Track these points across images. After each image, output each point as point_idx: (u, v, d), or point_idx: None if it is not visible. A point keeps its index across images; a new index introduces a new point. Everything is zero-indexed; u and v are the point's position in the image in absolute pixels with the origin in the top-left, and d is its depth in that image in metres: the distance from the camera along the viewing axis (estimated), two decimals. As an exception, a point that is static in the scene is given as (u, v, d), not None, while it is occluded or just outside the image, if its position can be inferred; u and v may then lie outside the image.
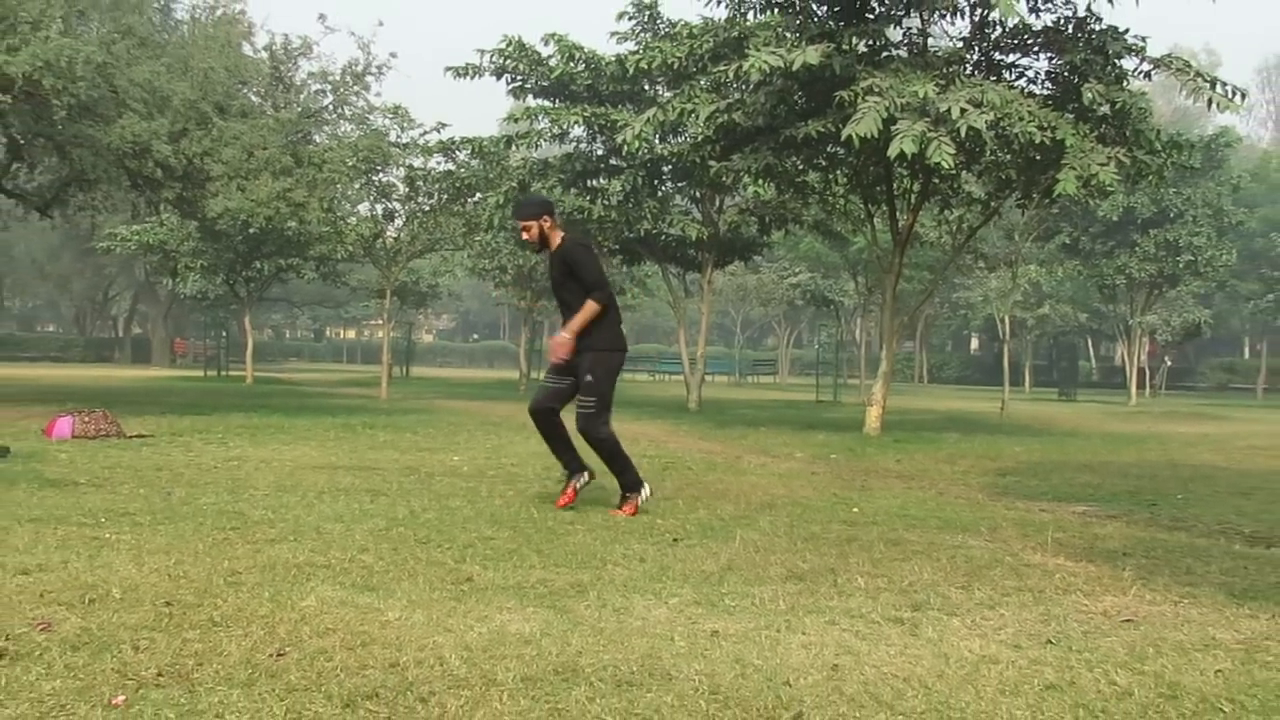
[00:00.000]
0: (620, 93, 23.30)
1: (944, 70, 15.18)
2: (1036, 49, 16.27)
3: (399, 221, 27.74)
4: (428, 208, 26.53)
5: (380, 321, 54.99)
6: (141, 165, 18.82)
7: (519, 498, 8.20)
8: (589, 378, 7.59)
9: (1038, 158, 15.40)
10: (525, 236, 7.77)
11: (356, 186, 25.68)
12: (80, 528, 6.40)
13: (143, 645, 4.03)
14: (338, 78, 24.54)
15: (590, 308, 7.54)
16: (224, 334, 45.87)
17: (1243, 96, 15.09)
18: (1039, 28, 15.95)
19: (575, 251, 7.67)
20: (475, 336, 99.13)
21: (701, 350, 26.42)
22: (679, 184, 24.42)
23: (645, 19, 22.99)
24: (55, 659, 3.84)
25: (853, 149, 14.99)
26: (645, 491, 7.79)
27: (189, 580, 5.08)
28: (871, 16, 16.19)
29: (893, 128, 13.58)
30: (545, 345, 65.85)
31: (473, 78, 23.53)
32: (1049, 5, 16.03)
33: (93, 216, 26.87)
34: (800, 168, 17.95)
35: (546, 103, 23.85)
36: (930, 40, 16.80)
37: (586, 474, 7.92)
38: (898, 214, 17.90)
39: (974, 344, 78.77)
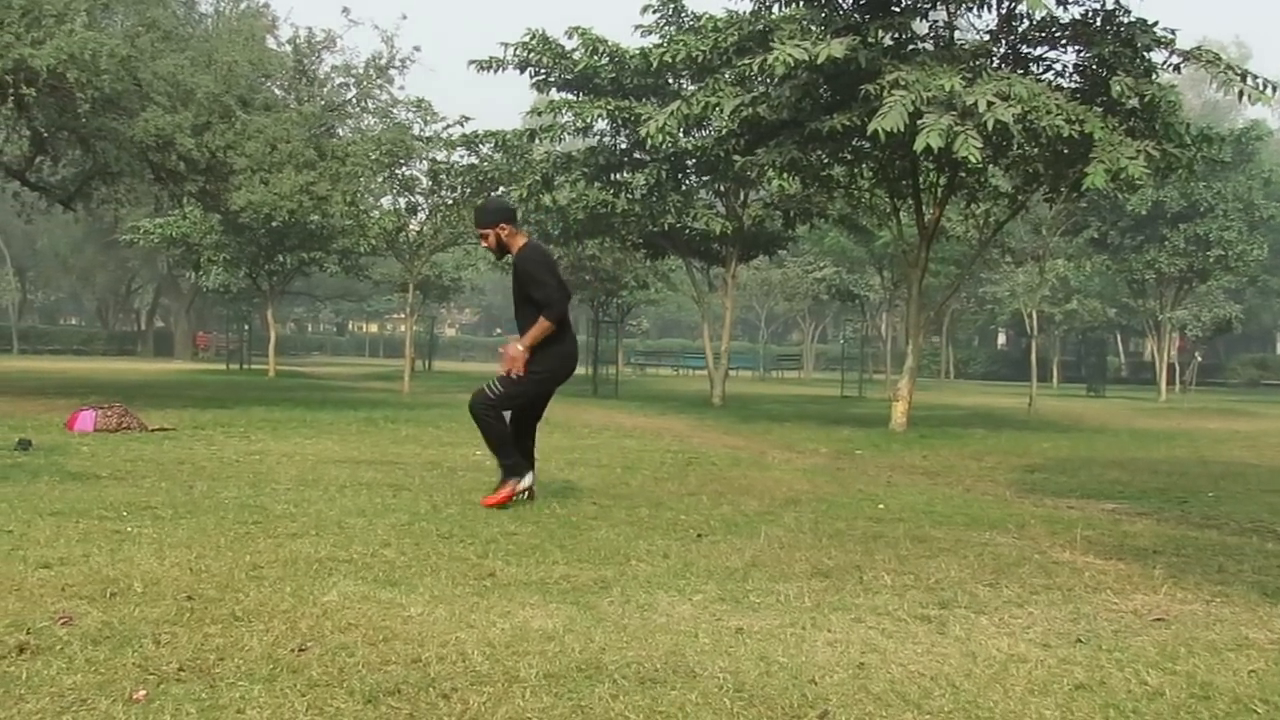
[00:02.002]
0: (644, 86, 23.29)
1: (971, 63, 15.10)
2: (1064, 42, 16.18)
3: (422, 215, 27.83)
4: (451, 201, 26.59)
5: (403, 315, 55.18)
6: (165, 158, 18.90)
7: (541, 492, 8.19)
8: (513, 374, 7.48)
9: (1066, 151, 15.32)
10: (484, 245, 7.72)
11: (379, 180, 25.72)
12: (102, 521, 6.42)
13: (164, 640, 4.03)
14: (361, 71, 24.58)
15: (542, 326, 7.40)
16: (246, 327, 46.02)
17: (1274, 89, 14.99)
18: (1067, 20, 15.87)
19: (525, 264, 7.50)
20: (498, 331, 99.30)
21: (725, 345, 26.40)
22: (703, 178, 24.40)
23: (669, 12, 22.96)
24: (76, 653, 3.84)
25: (878, 143, 14.93)
26: (525, 481, 7.56)
27: (210, 574, 5.09)
28: (897, 9, 16.13)
29: (919, 121, 13.53)
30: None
31: (496, 71, 23.57)
32: (1077, -3, 15.95)
33: (116, 209, 26.98)
34: (825, 162, 17.91)
35: (570, 96, 23.86)
36: (956, 33, 16.73)
37: (529, 478, 7.65)
38: (923, 208, 17.84)
39: (1001, 339, 78.45)
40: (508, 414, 7.65)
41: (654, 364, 60.63)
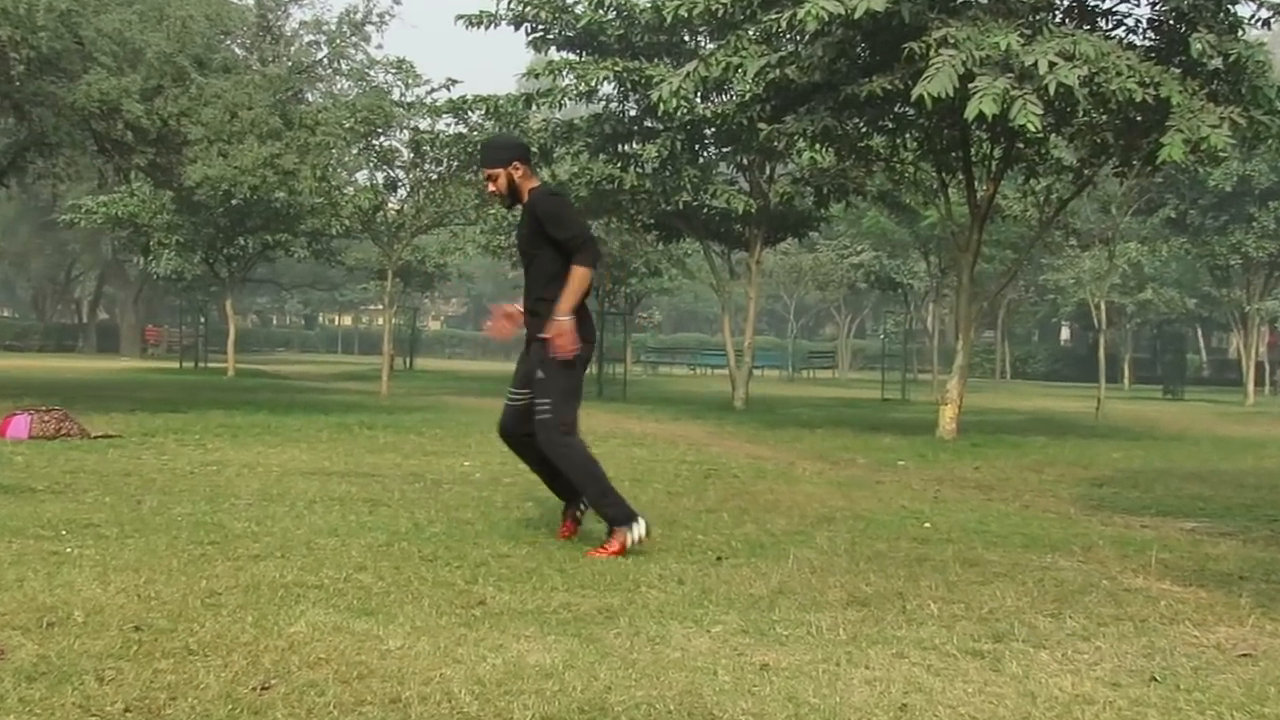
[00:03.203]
0: (656, 45, 23.27)
1: (1030, 19, 15.07)
2: (1137, -7, 16.18)
3: (402, 192, 27.83)
4: (435, 176, 26.58)
5: (381, 306, 55.26)
6: (110, 127, 18.95)
7: (539, 509, 8.19)
8: (540, 374, 6.87)
9: (1138, 119, 15.28)
10: (491, 189, 7.06)
11: (354, 152, 25.77)
12: (38, 541, 6.43)
13: (108, 676, 4.04)
14: (333, 28, 24.70)
15: (579, 275, 6.72)
16: (202, 320, 46.06)
17: (1379, 47, 14.94)
18: (1140, -32, 15.87)
19: (546, 202, 6.92)
20: (490, 324, 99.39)
21: (749, 340, 26.39)
22: (723, 149, 24.38)
23: (685, -41, 22.95)
24: (9, 691, 3.85)
25: (924, 109, 14.89)
26: (639, 529, 6.67)
27: (161, 602, 5.09)
28: (946, -44, 16.10)
29: (970, 85, 13.50)
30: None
31: (488, 27, 23.54)
32: (1153, -58, 15.94)
33: (54, 185, 27.14)
34: (863, 131, 17.87)
35: (572, 56, 23.84)
36: (1014, -17, 16.69)
37: (641, 524, 6.85)
38: (976, 184, 17.81)
39: (1064, 334, 78.38)
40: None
41: (667, 362, 60.65)
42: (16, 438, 12.32)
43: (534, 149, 22.95)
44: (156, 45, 17.88)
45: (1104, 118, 16.10)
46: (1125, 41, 15.79)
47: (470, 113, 25.61)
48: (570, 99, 23.06)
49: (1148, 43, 16.21)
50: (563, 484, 7.21)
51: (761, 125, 17.82)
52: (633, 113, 23.93)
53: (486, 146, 7.55)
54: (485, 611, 5.15)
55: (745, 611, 5.30)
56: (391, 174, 27.20)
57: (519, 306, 7.14)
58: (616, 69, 21.88)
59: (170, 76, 18.42)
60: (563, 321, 6.68)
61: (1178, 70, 14.93)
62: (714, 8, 18.69)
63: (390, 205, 28.26)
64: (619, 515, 6.72)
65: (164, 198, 31.58)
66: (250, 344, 68.50)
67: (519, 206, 7.05)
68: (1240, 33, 15.74)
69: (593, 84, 22.29)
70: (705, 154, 24.61)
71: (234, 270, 37.64)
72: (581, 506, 7.17)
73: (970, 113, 13.43)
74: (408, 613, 5.06)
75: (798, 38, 16.48)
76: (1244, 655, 4.82)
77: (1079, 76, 13.38)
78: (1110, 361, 39.66)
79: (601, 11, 23.08)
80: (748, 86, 17.04)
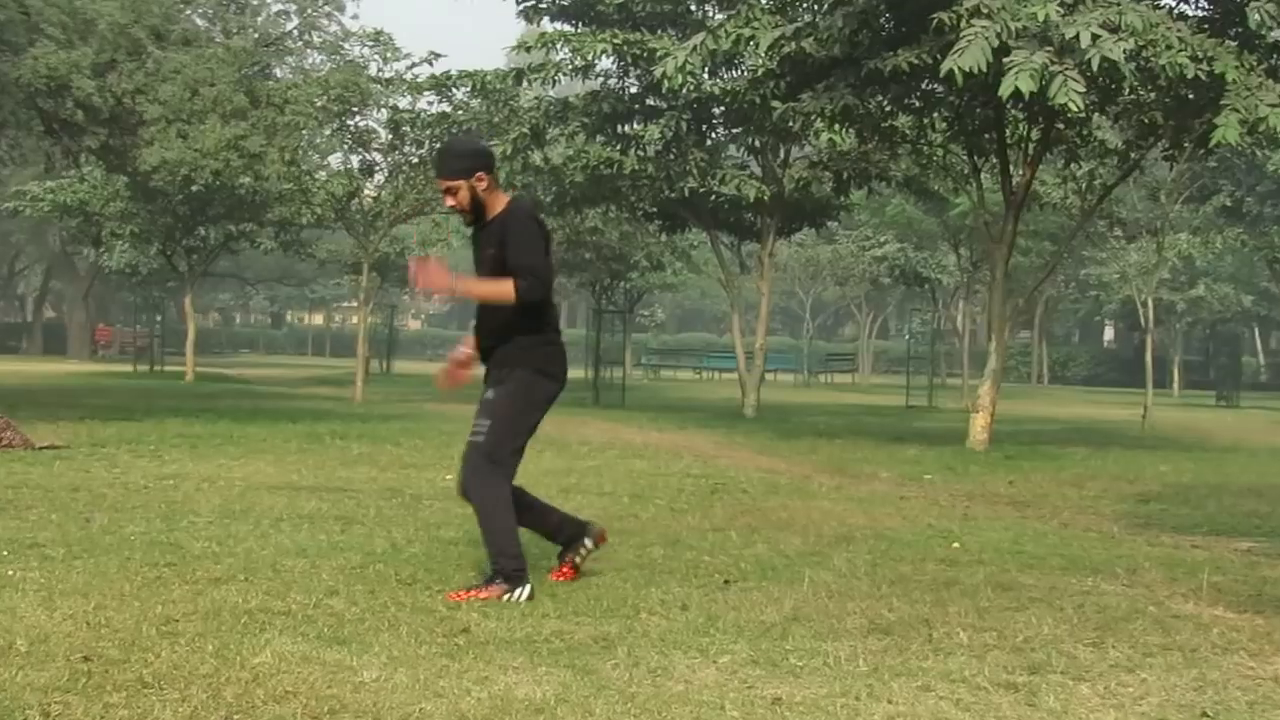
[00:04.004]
0: (660, 15, 23.30)
1: (1071, -15, 15.07)
2: (1190, -42, 16.18)
3: (380, 177, 27.84)
4: (416, 160, 26.59)
5: (355, 304, 55.21)
6: (58, 105, 18.95)
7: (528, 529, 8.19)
8: (489, 395, 6.48)
9: (1190, 97, 15.28)
10: (449, 203, 6.62)
11: (327, 133, 25.78)
12: (-22, 562, 6.44)
13: (55, 711, 4.04)
14: (304, -5, 24.66)
15: (506, 292, 6.34)
16: (159, 319, 46.07)
17: None
18: (1193, -69, 15.86)
19: (515, 219, 6.50)
20: (474, 323, 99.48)
21: (761, 341, 26.40)
22: (733, 130, 24.39)
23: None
24: (-56, 728, 3.86)
25: (954, 86, 14.89)
26: (522, 594, 6.16)
27: (112, 630, 5.10)
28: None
29: (1005, 59, 13.49)
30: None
31: (473, -5, 23.55)
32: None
33: (-4, 170, 27.12)
34: (887, 110, 17.88)
35: (567, 27, 23.86)
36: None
37: (589, 539, 6.74)
38: (1011, 168, 17.80)
39: (1108, 334, 78.34)
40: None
41: (671, 365, 60.59)
42: (-46, 448, 12.31)
43: (525, 131, 22.98)
44: (110, 15, 17.90)
45: (1152, 96, 16.10)
46: (1176, 11, 15.79)
47: (455, 90, 25.64)
48: (565, 74, 23.07)
49: (1201, 13, 16.21)
50: (558, 525, 6.84)
51: (775, 104, 17.82)
52: (634, 90, 23.93)
53: (444, 154, 7.06)
54: (469, 640, 5.15)
55: (755, 640, 5.30)
56: (368, 157, 27.25)
57: (467, 349, 6.77)
58: (616, 41, 21.88)
59: (125, 50, 18.42)
60: (454, 280, 6.53)
61: (1233, 43, 14.91)
62: (723, -27, 18.76)
63: (366, 192, 28.28)
64: (513, 574, 6.25)
65: (117, 184, 31.59)
66: (211, 345, 68.51)
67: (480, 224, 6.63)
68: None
69: (590, 58, 22.30)
70: (713, 135, 24.63)
71: (194, 264, 37.59)
72: (583, 549, 6.72)
73: (1005, 90, 13.41)
74: (384, 642, 5.06)
75: (815, 7, 16.50)
76: (1305, 689, 4.83)
77: (1125, 50, 13.36)
78: (1158, 365, 39.61)
79: (599, -22, 23.12)
80: (760, 61, 17.04)
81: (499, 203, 6.55)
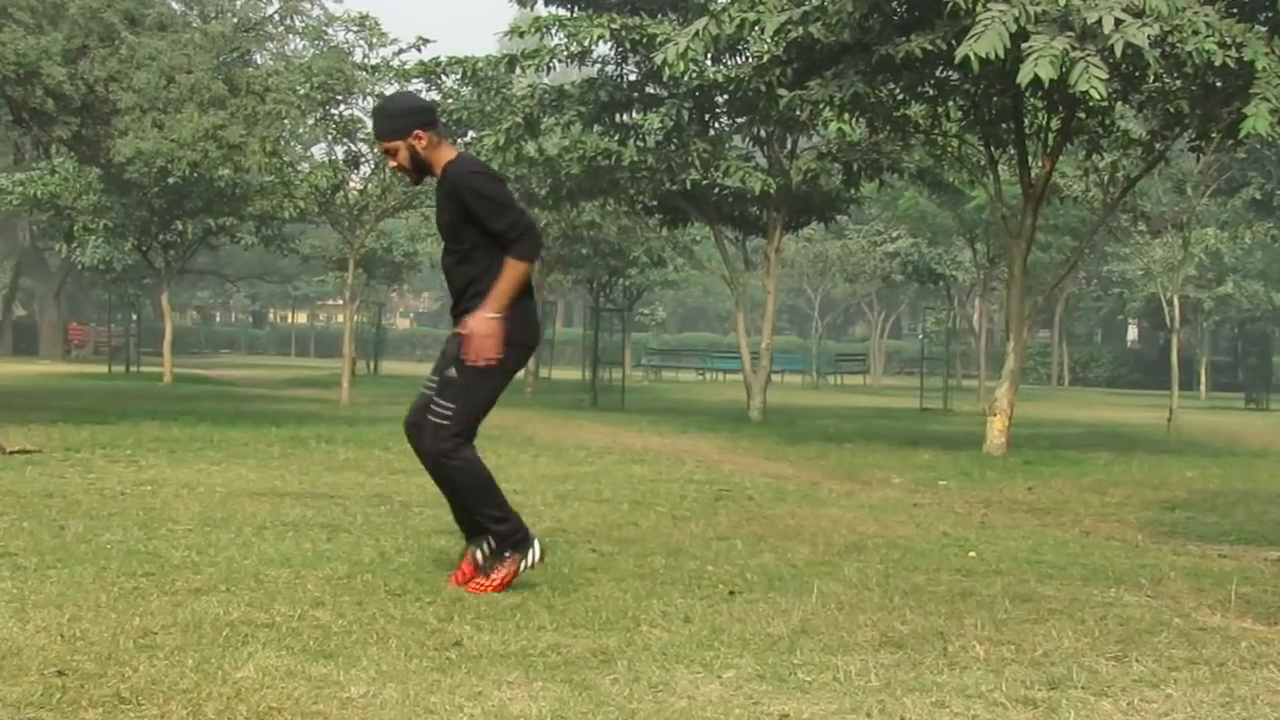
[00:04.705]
0: (660, -2, 23.31)
1: (1093, -33, 15.08)
2: (1217, -62, 16.17)
3: (366, 169, 27.83)
4: (404, 150, 26.59)
5: (340, 302, 55.24)
6: (27, 94, 18.95)
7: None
8: (451, 372, 6.53)
9: (1218, 85, 15.28)
10: (392, 164, 6.78)
11: (310, 122, 25.79)
12: (-54, 572, 6.45)
13: (27, 728, 4.05)
14: (286, -22, 24.68)
15: (516, 270, 6.42)
16: (135, 317, 46.05)
17: None
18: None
19: (472, 181, 6.53)
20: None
21: (767, 341, 26.39)
22: (737, 120, 24.38)
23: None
24: (-87, 745, 3.87)
25: (970, 73, 14.90)
26: (534, 553, 6.59)
27: (88, 642, 5.10)
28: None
29: (1023, 45, 13.50)
30: (556, 332, 65.11)
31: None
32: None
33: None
34: (899, 98, 17.88)
35: (562, 11, 23.88)
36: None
37: (537, 548, 6.68)
38: (1030, 160, 17.82)
39: (1132, 333, 78.38)
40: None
41: (673, 366, 60.63)
42: (-81, 453, 12.33)
43: (518, 121, 22.93)
44: (81, -1, 17.91)
45: (1178, 83, 16.10)
46: (1203, -5, 15.80)
47: (444, 77, 25.66)
48: (560, 61, 23.07)
49: (1229, -4, 16.22)
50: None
51: (782, 91, 17.82)
52: (633, 77, 23.93)
53: (379, 113, 7.08)
54: (462, 654, 5.16)
55: (762, 654, 5.31)
56: (353, 148, 27.21)
57: (486, 314, 6.58)
58: (614, 26, 21.88)
59: (97, 35, 18.42)
60: (490, 320, 6.38)
61: (1264, 29, 14.93)
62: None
63: (352, 184, 28.28)
64: (515, 538, 6.54)
65: (90, 176, 31.58)
66: (190, 345, 68.55)
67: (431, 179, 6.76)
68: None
69: (586, 43, 22.30)
70: (717, 125, 24.62)
71: (171, 260, 37.58)
72: (486, 547, 6.62)
73: (1024, 77, 13.41)
74: (372, 655, 5.07)
75: (824, -11, 16.49)
76: (1337, 705, 4.85)
77: (1149, 35, 13.37)
78: (1184, 366, 39.70)
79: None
80: (766, 46, 17.05)
81: (443, 155, 6.62)
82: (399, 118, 6.67)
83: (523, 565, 6.53)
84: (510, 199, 6.61)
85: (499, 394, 6.67)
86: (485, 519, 6.56)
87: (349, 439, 15.86)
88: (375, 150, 24.96)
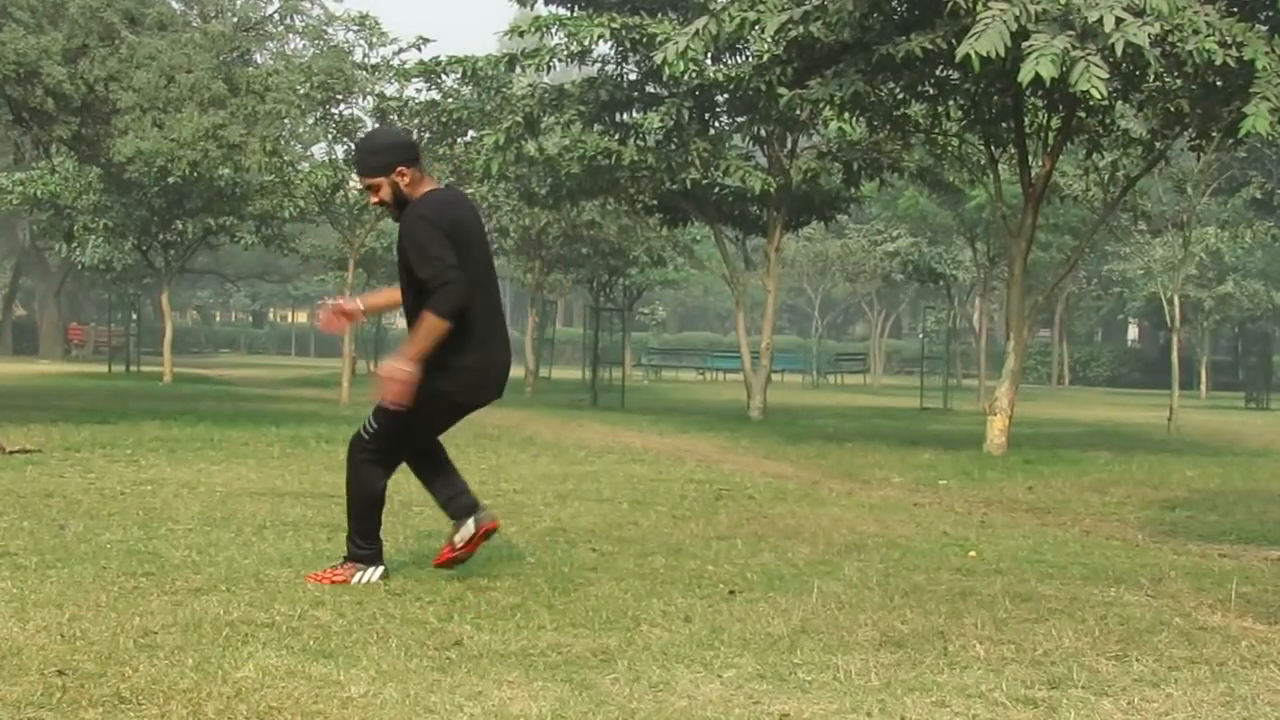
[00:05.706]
0: (660, -3, 23.29)
1: (1093, -33, 15.08)
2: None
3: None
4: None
5: (340, 301, 55.11)
6: (28, 93, 18.94)
7: (524, 535, 8.21)
8: (380, 402, 6.66)
9: (1218, 84, 15.27)
10: (373, 200, 6.79)
11: (310, 122, 25.78)
12: (-54, 572, 6.45)
13: (27, 727, 4.05)
14: (286, -23, 24.68)
15: (429, 324, 6.38)
16: (134, 317, 46.01)
17: None
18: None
19: (414, 222, 6.53)
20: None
21: (767, 341, 26.38)
22: (737, 119, 24.36)
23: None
24: (-87, 745, 3.87)
25: (970, 72, 14.90)
26: (372, 572, 6.66)
27: (88, 642, 5.11)
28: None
29: (1024, 44, 13.50)
30: (553, 333, 65.05)
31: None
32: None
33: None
34: (900, 97, 17.87)
35: (562, 11, 23.86)
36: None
37: (473, 521, 6.83)
38: (1030, 159, 17.81)
39: (1132, 333, 78.32)
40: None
41: (673, 365, 60.57)
42: (-81, 453, 12.33)
43: (518, 120, 22.91)
44: (81, -1, 17.90)
45: (1178, 83, 16.10)
46: (1203, -6, 15.79)
47: (444, 76, 25.63)
48: (560, 60, 23.05)
49: (1229, -4, 16.22)
50: (449, 492, 7.02)
51: (782, 91, 17.82)
52: (633, 76, 23.91)
53: (362, 149, 7.07)
54: (462, 654, 5.16)
55: (762, 653, 5.32)
56: (353, 148, 27.20)
57: (360, 304, 7.36)
58: (614, 25, 21.86)
59: (97, 34, 18.41)
60: (403, 371, 6.42)
61: (1264, 28, 14.92)
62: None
63: (352, 184, 28.26)
64: (365, 557, 6.73)
65: (90, 175, 31.55)
66: (190, 345, 68.50)
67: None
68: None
69: (586, 43, 22.28)
70: (717, 124, 24.60)
71: (171, 259, 37.54)
72: (463, 529, 6.83)
73: (1024, 76, 13.41)
74: (372, 655, 5.07)
75: (824, -11, 16.48)
76: (1338, 704, 4.85)
77: (1150, 35, 13.36)
78: (1185, 365, 39.64)
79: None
80: (766, 46, 17.06)
81: (421, 192, 6.62)
82: (382, 154, 6.67)
83: (357, 577, 6.59)
84: (439, 249, 6.41)
85: (422, 435, 6.90)
86: (353, 530, 6.78)
87: (349, 439, 15.83)
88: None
